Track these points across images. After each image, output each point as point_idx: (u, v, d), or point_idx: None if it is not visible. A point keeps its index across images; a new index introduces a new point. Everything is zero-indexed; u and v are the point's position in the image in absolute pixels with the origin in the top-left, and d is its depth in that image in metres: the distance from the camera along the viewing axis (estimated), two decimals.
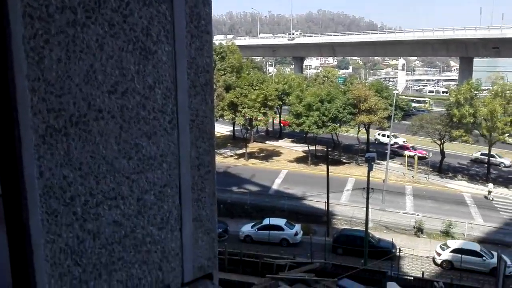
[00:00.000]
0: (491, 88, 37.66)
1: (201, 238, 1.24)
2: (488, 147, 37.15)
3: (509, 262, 21.65)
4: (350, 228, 27.82)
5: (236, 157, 46.45)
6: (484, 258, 22.56)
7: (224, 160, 45.00)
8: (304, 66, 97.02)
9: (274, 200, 32.36)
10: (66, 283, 0.99)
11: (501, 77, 37.39)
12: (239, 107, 42.70)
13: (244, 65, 51.59)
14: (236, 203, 31.89)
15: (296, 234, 26.33)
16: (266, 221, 26.73)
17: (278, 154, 47.67)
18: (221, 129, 58.04)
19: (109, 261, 1.06)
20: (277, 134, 55.60)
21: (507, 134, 34.06)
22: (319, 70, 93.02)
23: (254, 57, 77.11)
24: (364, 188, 23.60)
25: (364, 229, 23.42)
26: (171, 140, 1.15)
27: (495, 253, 21.87)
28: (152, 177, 1.12)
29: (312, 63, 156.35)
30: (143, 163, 1.10)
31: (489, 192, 33.56)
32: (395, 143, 46.48)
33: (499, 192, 35.27)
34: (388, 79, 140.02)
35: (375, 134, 50.42)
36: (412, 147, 45.28)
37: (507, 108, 34.08)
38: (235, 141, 53.02)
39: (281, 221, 27.17)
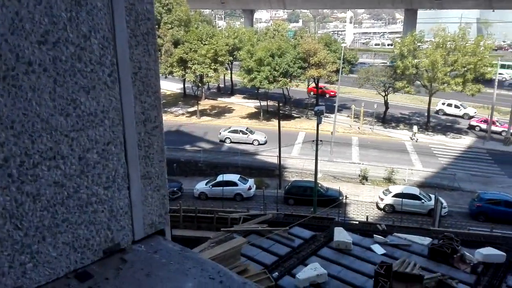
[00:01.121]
0: (433, 39, 39.07)
1: (150, 195, 1.23)
2: (428, 97, 39.21)
3: (444, 204, 23.76)
4: (300, 179, 28.91)
5: (188, 115, 45.75)
6: (422, 200, 24.49)
7: (176, 118, 44.19)
8: (254, 20, 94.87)
9: (228, 157, 32.62)
10: (7, 248, 0.95)
11: (443, 28, 38.71)
12: (188, 63, 41.43)
13: (192, 18, 49.49)
14: (189, 161, 31.82)
15: (249, 188, 26.97)
16: (220, 178, 27.05)
17: (230, 110, 47.52)
18: (171, 86, 56.37)
19: (52, 223, 1.03)
20: (229, 91, 55.07)
21: (446, 84, 35.95)
22: (269, 24, 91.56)
23: (202, 10, 74.07)
24: (313, 141, 24.33)
25: (313, 180, 24.41)
26: (112, 95, 1.09)
27: (432, 196, 23.84)
28: (94, 135, 1.07)
29: (263, 17, 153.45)
30: (82, 120, 1.04)
31: (414, 134, 37.16)
32: (466, 114, 42.13)
33: (437, 139, 37.90)
34: (336, 32, 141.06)
35: (437, 104, 43.57)
36: (497, 121, 38.96)
37: (447, 59, 35.77)
38: (186, 98, 51.97)
39: (234, 177, 27.62)
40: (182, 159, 31.51)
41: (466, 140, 37.72)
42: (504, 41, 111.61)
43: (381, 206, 25.35)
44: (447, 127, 41.51)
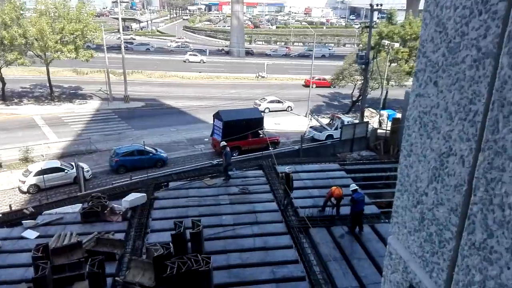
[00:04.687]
0: (36, 7, 37.27)
1: None
2: (46, 67, 38.03)
3: (87, 168, 24.94)
4: None
5: None
6: (66, 171, 24.62)
7: None
8: None
9: None
10: None
11: None
12: None
13: None
14: None
15: None
16: None
17: None
18: None
19: None
20: None
21: (60, 52, 35.81)
22: None
23: None
24: None
25: None
26: None
27: (73, 164, 24.40)
28: None
29: None
30: None
31: None
32: None
33: (66, 108, 38.03)
34: None
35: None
36: None
37: (54, 26, 35.32)
38: None
39: None
40: None
41: (93, 104, 39.97)
42: (104, 8, 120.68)
43: (25, 189, 23.68)
44: (72, 94, 42.23)
